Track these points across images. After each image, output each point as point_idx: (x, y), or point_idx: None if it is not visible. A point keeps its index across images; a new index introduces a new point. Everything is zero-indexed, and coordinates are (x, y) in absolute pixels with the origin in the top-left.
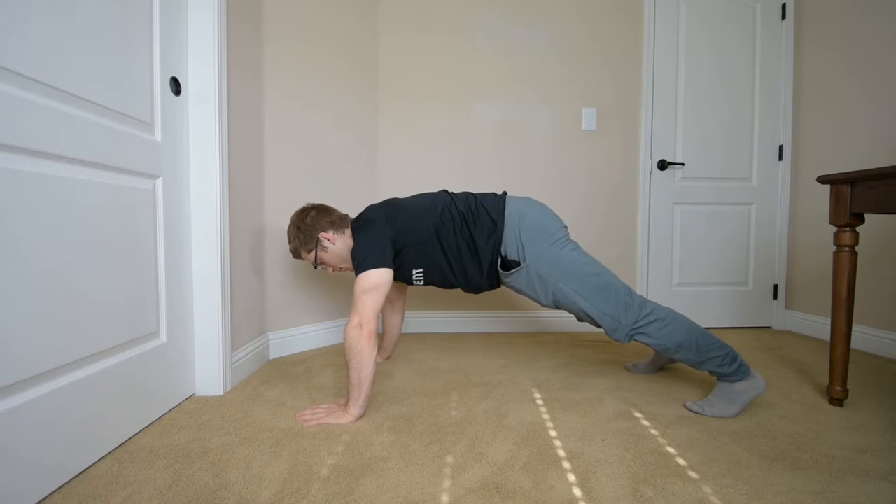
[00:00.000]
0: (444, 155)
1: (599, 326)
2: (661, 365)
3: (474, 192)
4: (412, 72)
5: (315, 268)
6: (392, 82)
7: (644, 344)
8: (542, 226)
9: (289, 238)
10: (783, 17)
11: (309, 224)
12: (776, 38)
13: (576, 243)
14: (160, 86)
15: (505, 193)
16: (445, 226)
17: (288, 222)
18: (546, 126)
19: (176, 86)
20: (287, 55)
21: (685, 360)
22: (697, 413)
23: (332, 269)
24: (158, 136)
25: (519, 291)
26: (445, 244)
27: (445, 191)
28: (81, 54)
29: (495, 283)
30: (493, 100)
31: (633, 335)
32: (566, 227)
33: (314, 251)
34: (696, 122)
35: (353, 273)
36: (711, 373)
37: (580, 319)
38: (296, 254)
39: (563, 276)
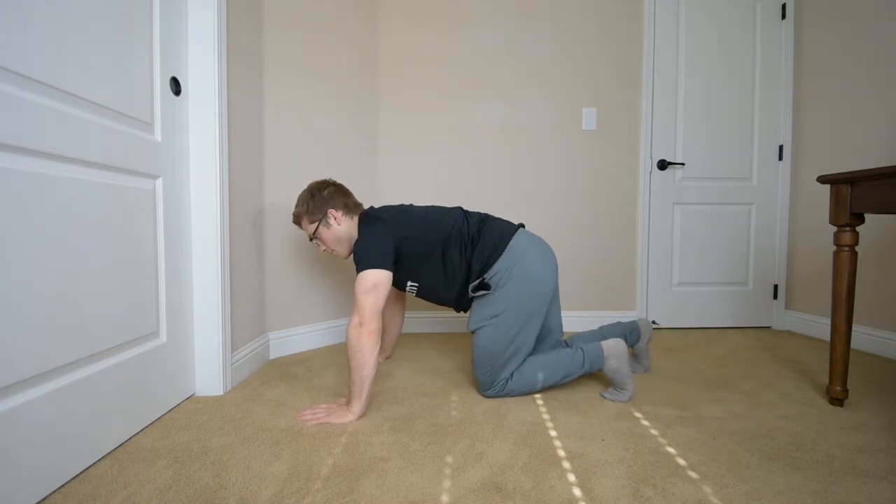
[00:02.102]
0: (445, 151)
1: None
2: (643, 356)
3: (492, 214)
4: (412, 68)
5: (310, 240)
6: (392, 77)
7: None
8: (536, 276)
9: (298, 202)
10: (783, 17)
11: (325, 197)
12: (776, 38)
13: (541, 315)
14: (160, 86)
15: (521, 225)
16: (453, 243)
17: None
18: (546, 125)
19: (176, 86)
20: (287, 48)
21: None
22: (612, 401)
23: (324, 248)
24: (158, 136)
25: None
26: (448, 260)
27: (460, 208)
28: (82, 54)
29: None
30: (493, 98)
31: (493, 397)
32: (555, 288)
33: (317, 224)
34: (696, 122)
35: (343, 259)
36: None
37: (472, 355)
38: (297, 218)
39: (499, 321)
